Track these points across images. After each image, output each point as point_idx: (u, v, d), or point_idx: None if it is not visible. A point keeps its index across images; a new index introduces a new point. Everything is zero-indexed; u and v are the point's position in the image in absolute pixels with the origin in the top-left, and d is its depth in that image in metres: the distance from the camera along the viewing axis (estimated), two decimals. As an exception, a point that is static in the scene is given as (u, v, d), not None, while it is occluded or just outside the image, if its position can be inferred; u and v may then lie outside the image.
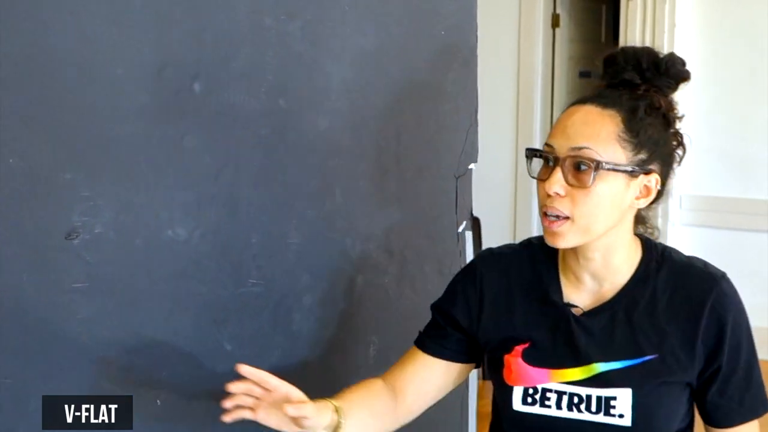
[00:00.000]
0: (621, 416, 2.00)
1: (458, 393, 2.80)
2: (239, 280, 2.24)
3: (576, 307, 2.06)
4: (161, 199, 2.10)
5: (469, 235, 2.76)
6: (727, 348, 2.01)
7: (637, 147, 1.96)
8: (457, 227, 2.75)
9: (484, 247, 2.55)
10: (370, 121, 2.50)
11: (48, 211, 1.94)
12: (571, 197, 1.95)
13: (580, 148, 1.94)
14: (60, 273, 1.96)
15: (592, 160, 1.93)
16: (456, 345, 2.17)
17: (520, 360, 2.05)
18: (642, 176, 1.99)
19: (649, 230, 2.11)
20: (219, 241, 2.20)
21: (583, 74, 8.33)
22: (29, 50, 1.89)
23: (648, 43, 7.02)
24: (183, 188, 2.13)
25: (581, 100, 2.01)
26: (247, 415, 1.94)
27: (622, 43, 7.17)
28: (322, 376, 2.40)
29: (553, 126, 2.01)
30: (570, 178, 1.94)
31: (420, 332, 2.21)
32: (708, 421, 2.08)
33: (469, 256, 2.74)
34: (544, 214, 1.97)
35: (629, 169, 1.96)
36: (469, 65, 2.76)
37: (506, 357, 2.07)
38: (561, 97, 8.29)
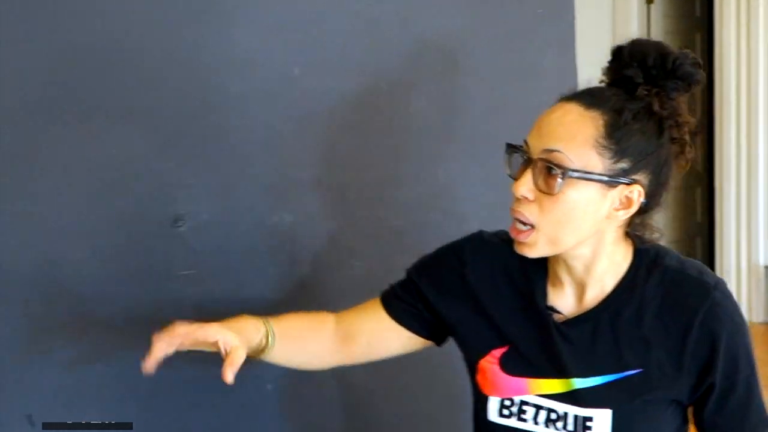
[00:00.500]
0: None
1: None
2: (342, 264, 2.26)
3: (559, 313, 1.89)
4: (265, 185, 2.13)
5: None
6: (722, 363, 1.82)
7: (618, 155, 1.77)
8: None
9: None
10: (464, 103, 2.48)
11: (154, 199, 1.98)
12: (539, 203, 1.78)
13: (551, 151, 1.76)
14: (167, 260, 2.00)
15: (561, 166, 1.75)
16: (422, 321, 2.01)
17: (496, 367, 1.90)
18: (622, 186, 1.78)
19: (655, 235, 1.89)
20: (324, 226, 2.22)
21: (680, 51, 8.22)
22: (135, 43, 1.92)
23: (743, 18, 6.90)
24: (288, 174, 2.16)
25: (567, 97, 1.82)
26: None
27: (717, 19, 7.07)
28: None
29: (534, 123, 1.83)
30: (539, 182, 1.77)
31: (390, 288, 2.04)
32: None
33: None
34: (514, 224, 1.82)
35: (605, 178, 1.76)
36: (566, 43, 2.73)
37: (481, 362, 1.92)
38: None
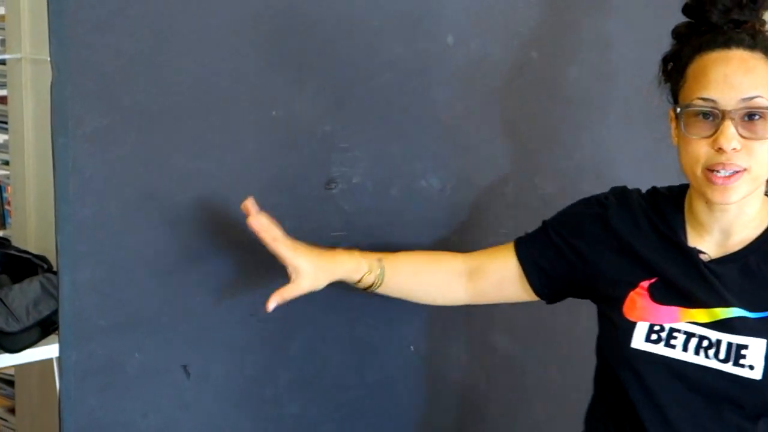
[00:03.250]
0: (751, 368, 1.85)
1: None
2: (492, 229, 2.26)
3: (703, 253, 1.93)
4: (416, 149, 2.14)
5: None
6: None
7: None
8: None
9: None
10: (620, 72, 2.48)
11: (308, 161, 2.00)
12: (747, 150, 1.81)
13: (752, 98, 1.81)
14: (320, 221, 2.02)
15: (766, 108, 1.81)
16: (542, 273, 2.06)
17: (646, 297, 1.93)
18: None
19: None
20: (471, 191, 2.23)
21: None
22: (309, 6, 1.95)
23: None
24: (436, 139, 2.17)
25: (723, 46, 1.87)
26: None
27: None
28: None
29: (702, 78, 1.86)
30: (742, 130, 1.81)
31: (526, 236, 2.09)
32: None
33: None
34: (710, 171, 1.83)
35: None
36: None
37: (630, 294, 1.94)
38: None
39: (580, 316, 2.14)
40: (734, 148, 1.80)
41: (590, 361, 2.01)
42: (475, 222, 2.24)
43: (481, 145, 2.23)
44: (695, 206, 1.94)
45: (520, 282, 2.07)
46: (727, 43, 1.85)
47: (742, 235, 1.92)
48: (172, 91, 1.83)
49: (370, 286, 2.01)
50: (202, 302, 1.91)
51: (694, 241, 1.94)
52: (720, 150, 1.81)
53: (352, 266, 1.98)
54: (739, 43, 1.85)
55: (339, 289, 2.03)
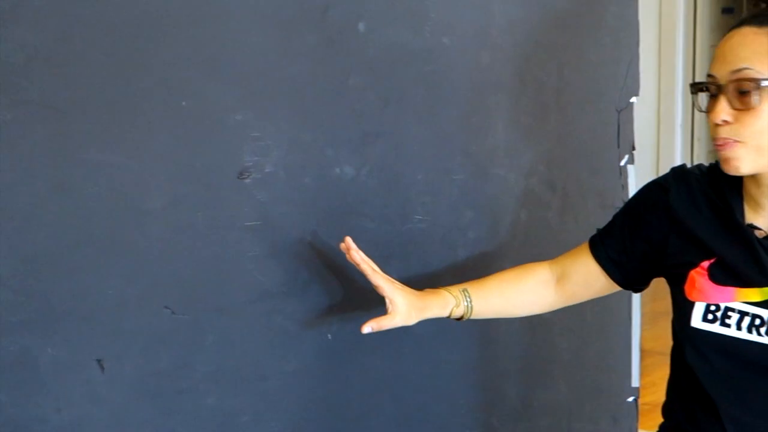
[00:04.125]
0: None
1: (621, 328, 2.80)
2: (405, 217, 2.27)
3: (759, 229, 2.02)
4: (328, 137, 2.14)
5: (631, 168, 2.74)
6: None
7: None
8: (620, 161, 2.73)
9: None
10: (532, 56, 2.49)
11: (220, 151, 1.99)
12: (740, 122, 1.92)
13: (739, 70, 1.90)
14: (233, 211, 2.01)
15: (753, 80, 1.89)
16: (619, 266, 2.19)
17: (705, 277, 2.04)
18: None
19: None
20: (385, 178, 2.23)
21: (726, 11, 8.15)
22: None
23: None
24: (349, 126, 2.17)
25: (737, 24, 1.97)
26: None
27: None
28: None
29: (713, 57, 1.98)
30: (735, 102, 1.91)
31: (598, 234, 2.23)
32: None
33: (632, 189, 2.72)
34: (716, 145, 1.95)
35: None
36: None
37: (691, 273, 2.06)
38: (703, 35, 8.12)
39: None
40: (724, 120, 1.91)
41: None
42: (389, 209, 2.24)
43: (393, 132, 2.23)
44: (747, 182, 2.03)
45: (605, 279, 2.22)
46: (741, 23, 1.95)
47: None
48: (80, 84, 1.81)
49: (461, 318, 2.18)
50: (115, 296, 1.89)
51: (751, 218, 2.04)
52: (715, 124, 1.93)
53: (440, 304, 2.14)
54: (751, 21, 1.94)
55: (255, 277, 2.03)
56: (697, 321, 2.04)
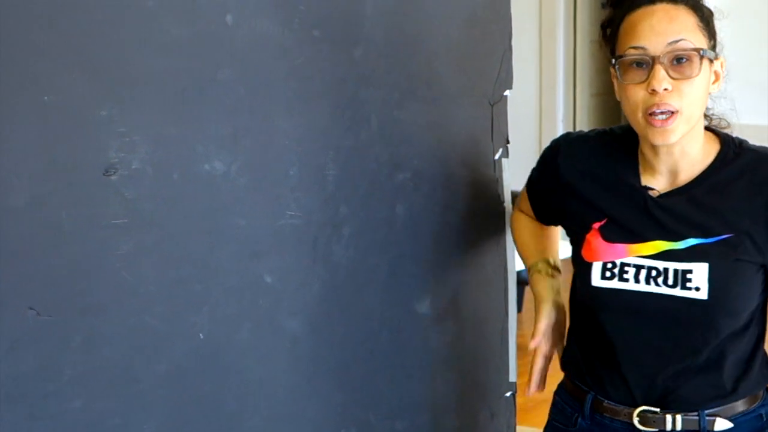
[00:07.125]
0: (697, 289, 2.08)
1: (497, 323, 2.80)
2: (278, 213, 2.23)
3: (653, 189, 2.17)
4: (197, 132, 2.09)
5: (506, 162, 2.73)
6: None
7: (710, 34, 2.10)
8: (494, 154, 2.73)
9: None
10: (401, 48, 2.48)
11: (85, 147, 1.93)
12: (677, 91, 2.03)
13: (678, 41, 2.04)
14: (99, 209, 1.96)
15: (694, 50, 2.04)
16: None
17: (598, 238, 2.17)
18: (715, 61, 2.12)
19: (719, 121, 2.22)
20: (256, 173, 2.19)
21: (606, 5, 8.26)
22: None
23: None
24: (218, 121, 2.13)
25: (649, 3, 2.08)
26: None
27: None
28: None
29: (631, 31, 2.08)
30: (672, 72, 2.03)
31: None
32: None
33: (506, 182, 2.72)
34: (650, 115, 2.04)
35: (712, 54, 2.09)
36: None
37: (587, 236, 2.20)
38: (584, 28, 8.22)
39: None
40: (666, 89, 2.02)
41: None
42: (261, 205, 2.21)
43: (264, 127, 2.20)
44: (644, 149, 2.17)
45: None
46: (652, 1, 2.08)
47: (689, 173, 2.15)
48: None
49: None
50: (-26, 297, 1.83)
51: (646, 180, 2.18)
52: (653, 92, 2.03)
53: (556, 288, 2.40)
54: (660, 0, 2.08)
55: (122, 276, 1.98)
56: (596, 279, 2.16)
